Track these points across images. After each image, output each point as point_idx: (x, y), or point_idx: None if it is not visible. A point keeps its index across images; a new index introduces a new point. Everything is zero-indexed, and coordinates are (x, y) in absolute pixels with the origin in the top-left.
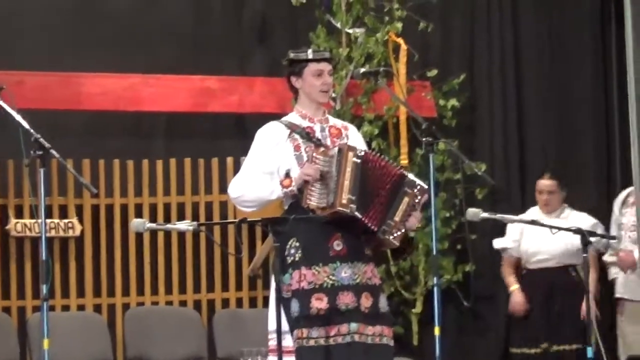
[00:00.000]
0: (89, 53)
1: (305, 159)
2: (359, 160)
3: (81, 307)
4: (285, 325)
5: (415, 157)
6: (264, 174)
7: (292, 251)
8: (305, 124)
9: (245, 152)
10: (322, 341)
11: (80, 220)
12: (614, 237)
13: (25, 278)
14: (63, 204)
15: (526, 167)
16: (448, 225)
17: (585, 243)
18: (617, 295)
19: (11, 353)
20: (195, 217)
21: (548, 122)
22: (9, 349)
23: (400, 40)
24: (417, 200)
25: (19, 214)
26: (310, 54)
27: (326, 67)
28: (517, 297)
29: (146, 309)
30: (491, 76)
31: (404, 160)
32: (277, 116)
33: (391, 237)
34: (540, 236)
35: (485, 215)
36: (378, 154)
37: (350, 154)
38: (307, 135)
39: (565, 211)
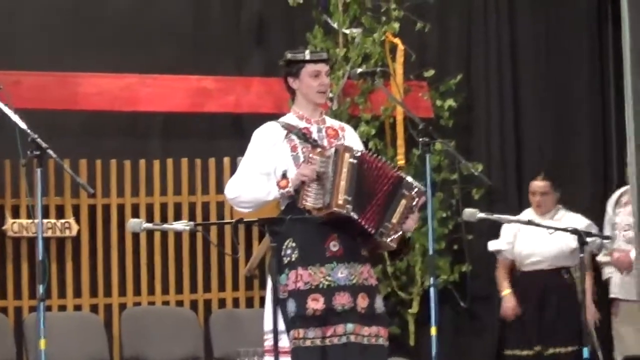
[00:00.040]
0: (86, 53)
1: (301, 159)
2: (355, 161)
3: (78, 307)
4: (281, 326)
5: (412, 158)
6: (260, 174)
7: (289, 251)
8: (302, 124)
9: (242, 152)
10: (318, 342)
11: (77, 220)
12: (609, 238)
13: (21, 278)
14: (60, 204)
15: (523, 167)
16: (445, 226)
17: (582, 243)
18: (612, 295)
19: (8, 353)
20: (192, 217)
21: (545, 122)
22: (6, 349)
23: (397, 41)
24: (414, 203)
25: (16, 214)
26: (307, 54)
27: (323, 68)
28: (508, 302)
29: (143, 309)
30: (488, 76)
31: (400, 161)
32: (274, 116)
33: (388, 239)
34: (533, 238)
35: (482, 215)
36: (375, 155)
37: (347, 154)
38: (304, 136)
39: (560, 212)
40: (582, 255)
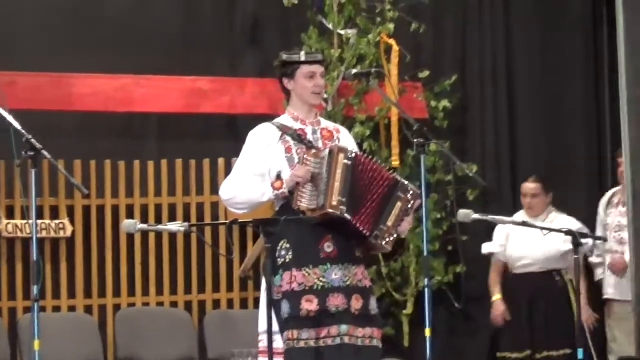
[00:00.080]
0: (81, 54)
1: (296, 161)
2: (349, 162)
3: (72, 308)
4: (276, 327)
5: (407, 159)
6: (255, 175)
7: (283, 252)
8: (297, 126)
9: (236, 153)
10: (312, 343)
11: (72, 221)
12: (604, 239)
13: (16, 279)
14: (54, 204)
15: (517, 168)
16: (439, 227)
17: (577, 245)
18: (606, 296)
19: (2, 354)
20: (186, 218)
21: (540, 123)
22: (0, 350)
23: (392, 42)
24: (409, 206)
25: (10, 215)
26: (302, 56)
27: (319, 69)
28: (497, 309)
29: (137, 310)
30: (483, 78)
31: (395, 162)
32: (268, 117)
33: (384, 242)
34: (525, 241)
35: (476, 216)
36: (369, 157)
37: (341, 155)
38: (299, 137)
39: (551, 215)
40: (576, 256)
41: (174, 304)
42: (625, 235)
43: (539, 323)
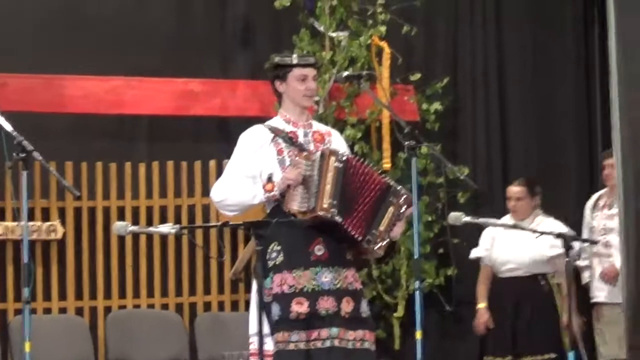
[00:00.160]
0: (72, 56)
1: (287, 163)
2: (340, 165)
3: (63, 310)
4: (266, 329)
5: (398, 161)
6: (246, 177)
7: (274, 255)
8: (288, 128)
9: (228, 155)
10: (302, 345)
11: (63, 223)
12: (595, 242)
13: (7, 281)
14: (45, 206)
15: (509, 171)
16: (430, 229)
17: (567, 248)
18: (594, 300)
19: None
20: (177, 220)
21: (531, 126)
22: None
23: (384, 44)
24: (402, 211)
25: (1, 217)
26: (295, 59)
27: (311, 72)
28: (481, 317)
29: (128, 312)
30: (474, 80)
31: (386, 164)
32: (260, 119)
33: (376, 247)
34: (510, 245)
35: (467, 219)
36: (361, 160)
37: (332, 158)
38: (290, 139)
39: (537, 218)
40: (568, 259)
41: (165, 306)
42: (611, 238)
43: (523, 327)
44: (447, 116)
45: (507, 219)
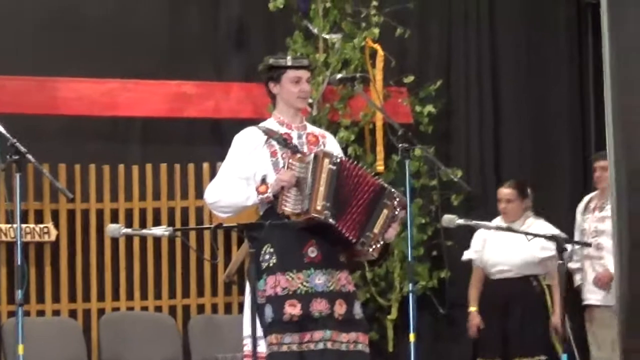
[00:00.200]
0: (66, 58)
1: (281, 165)
2: (334, 167)
3: (56, 312)
4: (260, 331)
5: (391, 163)
6: (240, 179)
7: (267, 257)
8: (282, 130)
9: (221, 157)
10: (294, 347)
11: (56, 225)
12: (588, 244)
13: (0, 283)
14: (39, 208)
15: (502, 173)
16: (424, 232)
17: (561, 250)
18: (586, 302)
19: None
20: (171, 223)
21: (524, 128)
22: None
23: (377, 46)
24: (396, 213)
25: None
26: (289, 60)
27: (304, 74)
28: (473, 320)
29: (121, 315)
30: (468, 83)
31: (380, 167)
32: (253, 121)
33: (370, 249)
34: (500, 247)
35: (460, 221)
36: (355, 162)
37: (326, 160)
38: (284, 141)
39: (528, 220)
40: (561, 262)
41: (158, 309)
42: (602, 240)
43: (514, 329)
44: (441, 118)
45: (498, 221)
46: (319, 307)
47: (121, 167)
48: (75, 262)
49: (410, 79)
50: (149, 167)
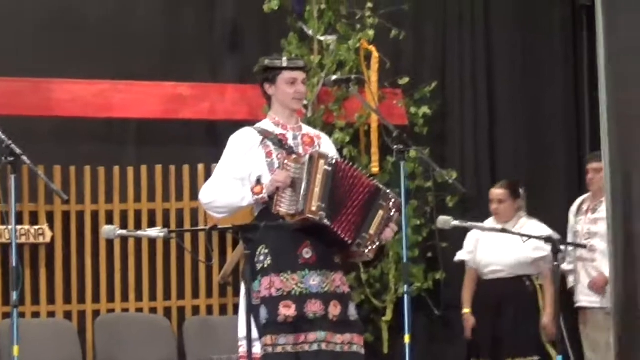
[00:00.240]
0: (60, 59)
1: (276, 165)
2: (330, 168)
3: (51, 314)
4: (255, 333)
5: (386, 165)
6: (235, 179)
7: (262, 258)
8: (278, 131)
9: (216, 159)
10: (289, 348)
11: (51, 227)
12: (583, 246)
13: None
14: (34, 210)
15: (497, 174)
16: (419, 233)
17: (556, 252)
18: (579, 304)
19: None
20: (166, 224)
21: (519, 130)
22: None
23: (372, 48)
24: (391, 214)
25: None
26: (284, 62)
27: (300, 75)
28: (467, 321)
29: (116, 316)
30: (463, 84)
31: (375, 168)
32: (248, 123)
33: (366, 250)
34: (493, 247)
35: (456, 223)
36: (350, 164)
37: (322, 161)
38: (280, 142)
39: (521, 221)
40: (556, 263)
41: (153, 310)
42: (595, 242)
43: (507, 329)
44: (436, 120)
45: (491, 222)
46: (313, 308)
47: (116, 169)
48: (70, 263)
49: (405, 80)
50: (144, 168)
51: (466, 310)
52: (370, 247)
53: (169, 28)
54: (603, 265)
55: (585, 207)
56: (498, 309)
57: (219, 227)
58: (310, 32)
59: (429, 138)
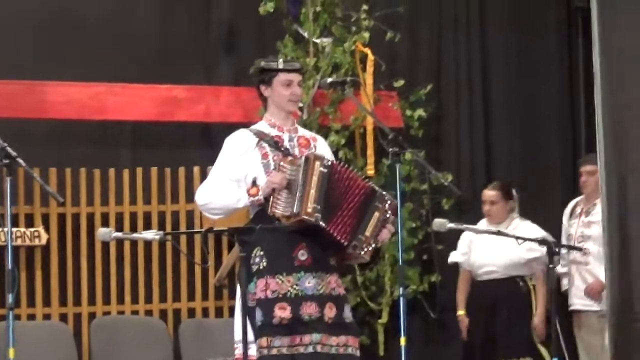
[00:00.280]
0: (55, 62)
1: (272, 167)
2: (325, 170)
3: (47, 317)
4: (251, 335)
5: (382, 168)
6: (231, 181)
7: (257, 260)
8: (274, 132)
9: (211, 161)
10: (284, 350)
11: (47, 229)
12: (579, 249)
13: None
14: (29, 212)
15: (493, 177)
16: (414, 236)
17: (552, 254)
18: (572, 307)
19: None
20: (161, 227)
21: (515, 132)
22: None
23: (368, 50)
24: (387, 216)
25: None
26: (280, 63)
27: (296, 77)
28: (462, 323)
29: (112, 319)
30: (458, 87)
31: (370, 171)
32: (243, 125)
33: (362, 252)
34: (487, 248)
35: (451, 225)
36: (346, 166)
37: (317, 163)
38: (275, 143)
39: (514, 222)
40: (551, 265)
41: (149, 313)
42: (588, 245)
43: (500, 330)
44: (431, 122)
45: (483, 223)
46: (308, 310)
47: (112, 171)
48: (66, 266)
49: (400, 83)
50: (139, 171)
51: (461, 312)
52: (366, 249)
53: (164, 30)
54: (597, 269)
55: (578, 210)
56: (492, 309)
57: (215, 229)
58: (305, 35)
59: (425, 140)
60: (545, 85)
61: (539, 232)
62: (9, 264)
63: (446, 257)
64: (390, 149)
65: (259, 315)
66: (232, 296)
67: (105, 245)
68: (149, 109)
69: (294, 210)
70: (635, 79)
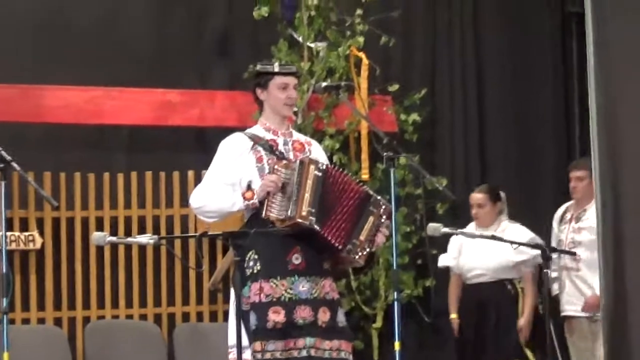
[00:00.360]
0: (51, 66)
1: (267, 171)
2: (320, 174)
3: (41, 321)
4: (245, 339)
5: (376, 172)
6: (226, 185)
7: (251, 263)
8: (268, 136)
9: (206, 165)
10: (278, 354)
11: (41, 233)
12: (572, 253)
13: None
14: (24, 216)
15: (487, 182)
16: (409, 240)
17: (546, 258)
18: (564, 313)
19: None
20: (156, 231)
21: (509, 137)
22: None
23: (362, 55)
24: (382, 220)
25: None
26: (276, 67)
27: (292, 81)
28: (454, 324)
29: (107, 323)
30: (452, 91)
31: (364, 175)
32: (238, 129)
33: (356, 256)
34: (476, 251)
35: (446, 230)
36: (340, 169)
37: (312, 167)
38: (270, 147)
39: (502, 224)
40: (545, 270)
41: (144, 317)
42: (579, 251)
43: (489, 333)
44: (425, 127)
45: (472, 227)
46: (302, 314)
47: (106, 175)
48: (61, 270)
49: (395, 87)
50: (134, 175)
51: (453, 315)
52: (360, 253)
53: (159, 35)
54: (587, 275)
55: (568, 215)
56: (481, 313)
57: (209, 233)
58: (300, 39)
59: (419, 145)
60: (539, 90)
61: (527, 234)
62: (4, 268)
63: None
64: (385, 154)
65: (253, 319)
66: (227, 300)
67: (100, 249)
68: (145, 113)
69: (289, 214)
70: (630, 79)
